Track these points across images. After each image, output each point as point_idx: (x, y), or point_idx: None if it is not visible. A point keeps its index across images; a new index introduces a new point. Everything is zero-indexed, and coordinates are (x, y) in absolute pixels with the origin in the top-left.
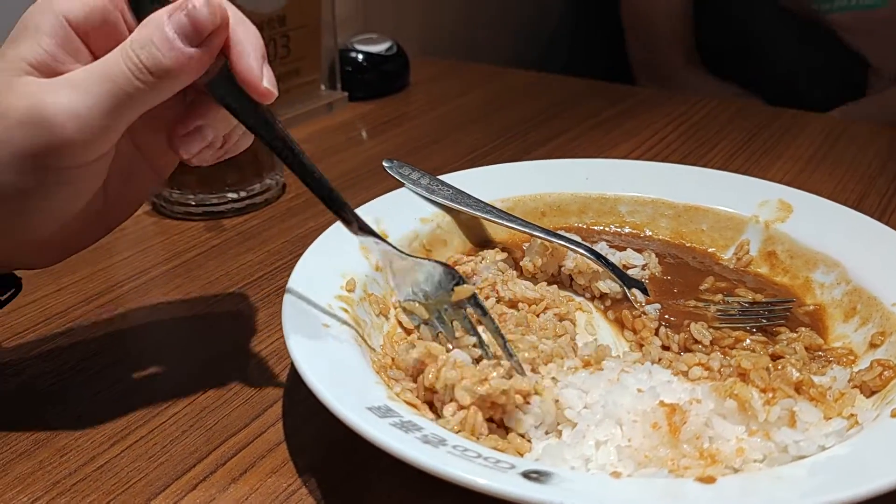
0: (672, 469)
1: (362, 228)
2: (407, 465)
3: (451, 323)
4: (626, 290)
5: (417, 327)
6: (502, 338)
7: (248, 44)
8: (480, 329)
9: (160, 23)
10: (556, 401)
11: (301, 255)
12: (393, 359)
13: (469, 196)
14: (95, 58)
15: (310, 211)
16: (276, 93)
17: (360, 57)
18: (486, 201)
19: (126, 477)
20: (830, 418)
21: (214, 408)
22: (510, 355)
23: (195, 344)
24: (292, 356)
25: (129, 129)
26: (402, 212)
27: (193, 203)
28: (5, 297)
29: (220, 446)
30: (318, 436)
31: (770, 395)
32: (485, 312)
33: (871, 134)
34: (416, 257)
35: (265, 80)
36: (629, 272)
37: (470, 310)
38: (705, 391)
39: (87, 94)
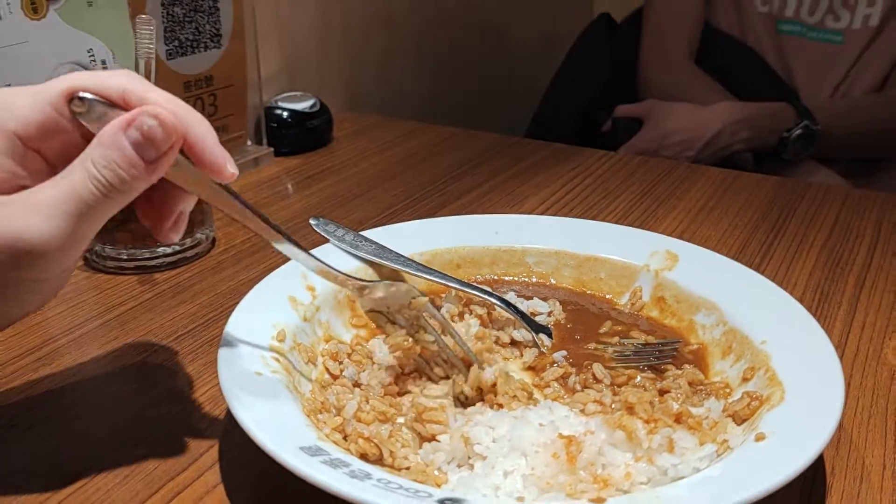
0: (570, 493)
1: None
2: (338, 498)
3: (411, 325)
4: (535, 336)
5: (382, 327)
6: (458, 335)
7: (206, 135)
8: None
9: (119, 142)
10: (466, 438)
11: (233, 306)
12: (322, 402)
13: (390, 251)
14: (44, 158)
15: (240, 264)
16: (237, 171)
17: (285, 114)
18: (406, 255)
19: None
20: (704, 443)
21: (153, 454)
22: (466, 348)
23: (131, 394)
24: (228, 402)
25: None
26: None
27: (126, 257)
28: None
29: (160, 489)
30: (252, 477)
31: (652, 425)
32: (440, 317)
33: (755, 185)
34: (379, 281)
35: (229, 165)
36: (536, 318)
37: (427, 315)
38: (598, 423)
39: (58, 216)
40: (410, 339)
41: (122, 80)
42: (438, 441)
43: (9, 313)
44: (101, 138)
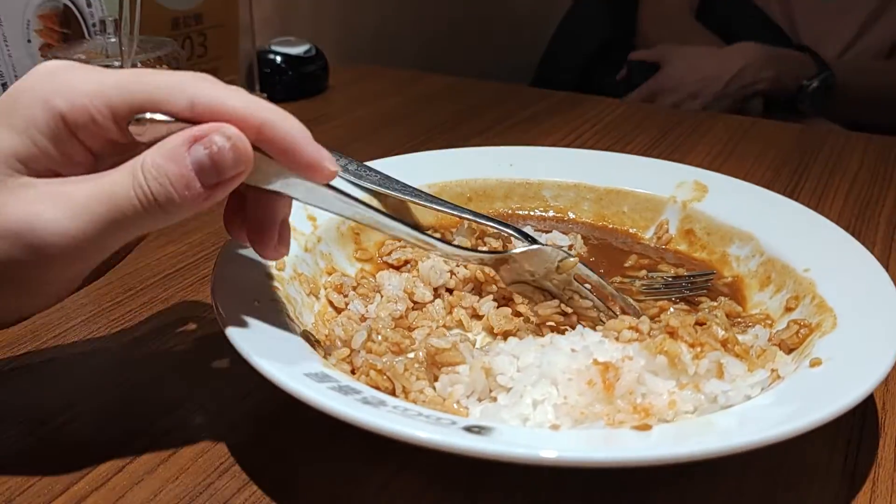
0: (609, 423)
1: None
2: (338, 437)
3: (563, 291)
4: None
5: (530, 297)
6: (618, 294)
7: (297, 134)
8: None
9: (179, 156)
10: (487, 369)
11: (224, 244)
12: (326, 334)
13: (396, 181)
14: (88, 149)
15: None
16: (337, 168)
17: (279, 59)
18: (414, 186)
19: (47, 464)
20: (754, 370)
21: (140, 393)
22: (628, 304)
23: (115, 334)
24: (225, 330)
25: None
26: None
27: None
28: None
29: (148, 430)
30: (247, 415)
31: (698, 349)
32: (595, 277)
33: (772, 133)
34: (519, 250)
35: (327, 163)
36: None
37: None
38: (636, 349)
39: (84, 214)
40: (565, 310)
41: (191, 88)
42: (457, 373)
43: (9, 305)
44: (162, 147)
